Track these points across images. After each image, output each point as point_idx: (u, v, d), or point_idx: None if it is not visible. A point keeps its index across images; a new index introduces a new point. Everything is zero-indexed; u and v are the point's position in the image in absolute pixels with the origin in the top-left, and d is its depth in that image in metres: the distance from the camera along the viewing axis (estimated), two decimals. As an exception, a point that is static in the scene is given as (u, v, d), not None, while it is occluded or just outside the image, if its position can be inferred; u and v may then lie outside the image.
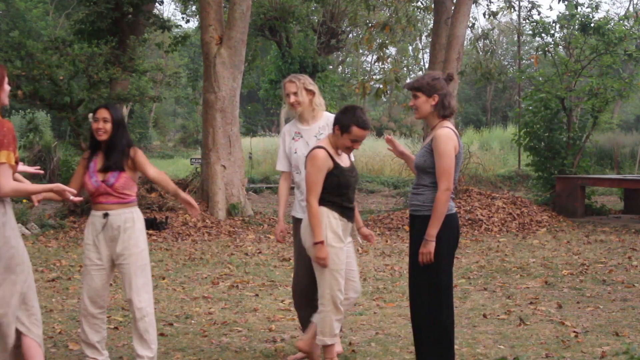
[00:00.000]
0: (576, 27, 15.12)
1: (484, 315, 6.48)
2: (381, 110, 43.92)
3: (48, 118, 29.08)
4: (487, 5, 28.53)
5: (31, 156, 18.76)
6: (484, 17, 15.97)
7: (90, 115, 4.92)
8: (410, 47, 36.74)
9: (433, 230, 4.31)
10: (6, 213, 4.12)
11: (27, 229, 11.31)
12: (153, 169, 4.84)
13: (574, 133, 14.64)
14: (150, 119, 38.34)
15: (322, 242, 4.65)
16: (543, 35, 15.44)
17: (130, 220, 4.76)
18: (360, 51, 38.39)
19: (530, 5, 15.38)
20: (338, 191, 4.74)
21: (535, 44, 16.68)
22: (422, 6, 16.71)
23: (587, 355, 5.17)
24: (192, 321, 6.31)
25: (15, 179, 4.26)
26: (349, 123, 4.68)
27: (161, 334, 5.82)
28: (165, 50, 18.13)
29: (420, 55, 40.49)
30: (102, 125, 4.73)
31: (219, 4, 12.54)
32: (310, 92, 5.16)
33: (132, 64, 12.86)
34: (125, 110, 23.51)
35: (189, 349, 5.42)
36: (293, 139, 5.22)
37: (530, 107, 15.07)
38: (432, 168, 4.37)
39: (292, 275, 8.51)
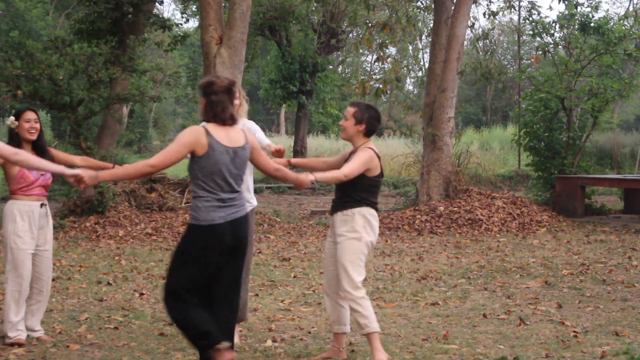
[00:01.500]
0: (576, 27, 15.12)
1: (484, 315, 6.48)
2: (381, 110, 43.88)
3: (48, 118, 29.07)
4: (487, 5, 28.49)
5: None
6: (484, 17, 15.96)
7: (12, 119, 5.44)
8: (410, 47, 36.69)
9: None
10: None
11: (27, 228, 11.29)
12: None
13: (574, 133, 14.64)
14: (150, 118, 38.33)
15: None
16: (543, 35, 15.44)
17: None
18: (360, 51, 38.38)
19: (530, 5, 15.37)
20: None
21: (536, 44, 16.66)
22: (422, 6, 16.70)
23: (587, 355, 5.17)
24: (192, 321, 6.30)
25: None
26: None
27: (161, 334, 5.83)
28: (164, 50, 18.10)
29: (420, 55, 40.47)
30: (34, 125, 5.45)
31: (219, 3, 12.52)
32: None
33: (132, 64, 12.84)
34: (125, 110, 23.52)
35: (189, 349, 5.41)
36: None
37: (530, 107, 15.08)
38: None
39: (292, 275, 8.53)
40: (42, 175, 5.40)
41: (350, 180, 4.98)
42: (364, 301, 5.01)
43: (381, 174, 5.12)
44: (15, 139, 5.42)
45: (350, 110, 5.10)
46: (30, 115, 5.45)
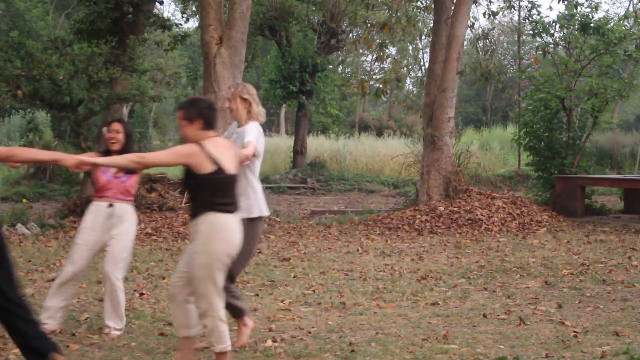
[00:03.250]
0: (576, 27, 15.12)
1: (484, 315, 6.48)
2: (381, 110, 43.94)
3: (48, 118, 29.06)
4: (487, 5, 28.48)
5: (31, 156, 18.74)
6: (484, 17, 15.95)
7: (105, 129, 5.85)
8: (410, 47, 36.70)
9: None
10: None
11: (27, 228, 11.31)
12: None
13: (574, 133, 14.64)
14: (150, 118, 38.33)
15: None
16: (543, 35, 15.44)
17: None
18: (360, 51, 38.39)
19: (530, 5, 15.37)
20: None
21: (536, 44, 16.67)
22: (422, 6, 16.70)
23: (587, 355, 5.17)
24: (192, 321, 6.30)
25: None
26: None
27: (161, 334, 5.83)
28: (164, 49, 18.12)
29: (420, 55, 40.49)
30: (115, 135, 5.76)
31: (219, 3, 12.52)
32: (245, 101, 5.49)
33: (132, 64, 12.85)
34: (125, 110, 23.53)
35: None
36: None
37: (530, 107, 15.08)
38: None
39: (292, 275, 8.53)
40: (116, 177, 5.72)
41: (190, 181, 4.60)
42: (217, 321, 4.65)
43: (220, 171, 4.55)
44: (106, 148, 5.86)
45: (179, 115, 4.71)
46: (112, 126, 5.80)
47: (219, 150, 4.61)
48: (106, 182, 5.73)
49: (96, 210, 5.75)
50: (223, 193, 4.60)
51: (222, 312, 4.71)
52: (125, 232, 5.73)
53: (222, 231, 4.58)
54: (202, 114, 4.66)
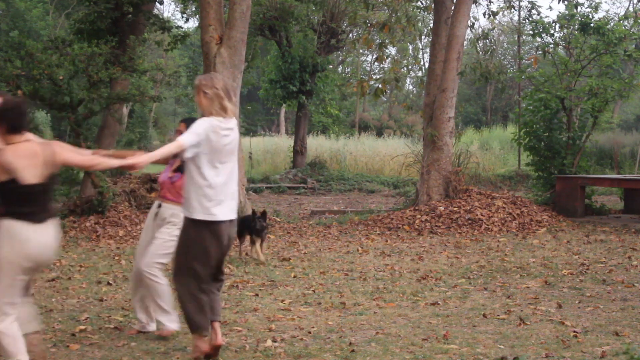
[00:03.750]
0: (576, 27, 15.11)
1: (484, 315, 6.48)
2: (381, 110, 43.95)
3: (48, 118, 29.11)
4: (487, 5, 28.49)
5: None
6: (484, 17, 15.94)
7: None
8: (410, 47, 36.70)
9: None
10: None
11: (27, 228, 11.29)
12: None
13: (573, 133, 14.64)
14: (150, 118, 38.34)
15: None
16: (543, 35, 15.43)
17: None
18: (361, 51, 38.39)
19: (530, 5, 15.37)
20: None
21: (536, 44, 16.67)
22: (422, 6, 16.69)
23: (587, 355, 5.18)
24: (192, 321, 6.30)
25: None
26: None
27: (161, 334, 5.83)
28: (164, 49, 18.12)
29: (420, 55, 40.50)
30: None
31: (219, 3, 12.51)
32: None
33: (132, 64, 12.83)
34: (125, 110, 23.57)
35: (189, 349, 5.41)
36: None
37: (530, 107, 15.08)
38: None
39: (292, 275, 8.53)
40: (169, 177, 5.78)
41: None
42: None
43: (13, 181, 4.29)
44: None
45: None
46: (178, 127, 5.72)
47: (19, 158, 4.31)
48: (161, 183, 5.83)
49: (151, 209, 5.90)
50: (21, 202, 4.35)
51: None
52: (166, 232, 5.68)
53: (12, 239, 4.33)
54: (4, 116, 4.32)
